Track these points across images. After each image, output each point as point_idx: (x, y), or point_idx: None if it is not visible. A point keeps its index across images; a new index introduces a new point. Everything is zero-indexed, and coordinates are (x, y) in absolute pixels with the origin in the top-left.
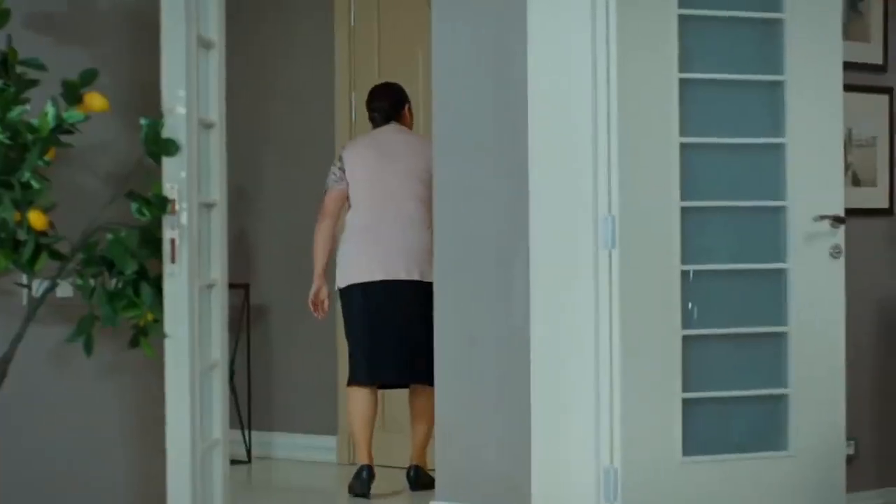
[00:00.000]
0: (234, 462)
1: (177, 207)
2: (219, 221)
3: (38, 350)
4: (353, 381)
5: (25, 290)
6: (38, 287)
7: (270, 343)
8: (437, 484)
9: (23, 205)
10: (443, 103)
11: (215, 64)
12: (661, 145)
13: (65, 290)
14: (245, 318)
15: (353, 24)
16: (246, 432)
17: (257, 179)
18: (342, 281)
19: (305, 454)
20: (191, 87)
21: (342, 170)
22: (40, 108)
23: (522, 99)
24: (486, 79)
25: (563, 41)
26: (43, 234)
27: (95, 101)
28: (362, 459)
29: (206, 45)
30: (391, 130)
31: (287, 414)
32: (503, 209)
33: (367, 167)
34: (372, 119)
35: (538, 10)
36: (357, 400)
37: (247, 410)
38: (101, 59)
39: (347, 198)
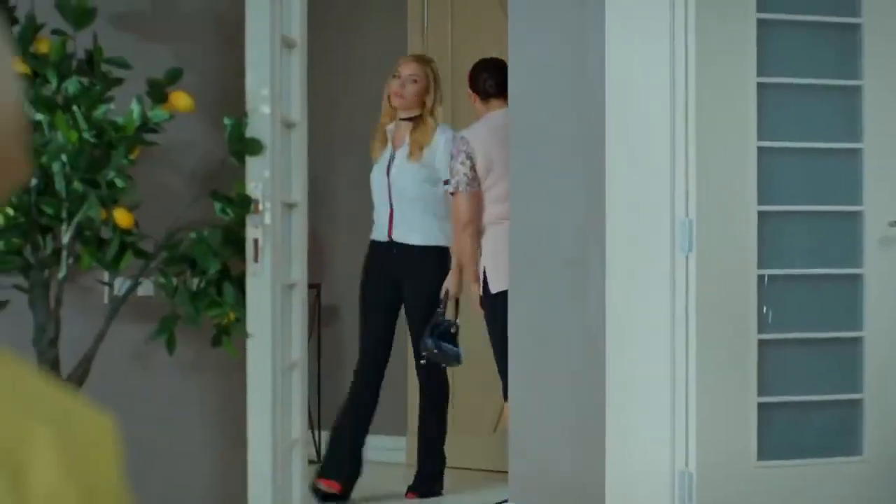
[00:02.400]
0: None
1: (260, 207)
2: (300, 221)
3: (120, 348)
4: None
5: (107, 288)
6: (121, 285)
7: (341, 343)
8: (510, 488)
9: (108, 203)
10: (519, 105)
11: (297, 64)
12: (738, 149)
13: (146, 288)
14: (316, 318)
15: (426, 25)
16: (316, 432)
17: (329, 179)
18: (498, 285)
19: (375, 454)
20: (274, 87)
21: (473, 169)
22: (124, 107)
23: (600, 101)
24: (563, 81)
25: (641, 43)
26: (127, 232)
27: (181, 100)
28: None
29: (289, 44)
30: (503, 116)
31: None
32: (579, 212)
33: (497, 159)
34: (484, 90)
35: (616, 11)
36: None
37: (317, 410)
38: (185, 57)
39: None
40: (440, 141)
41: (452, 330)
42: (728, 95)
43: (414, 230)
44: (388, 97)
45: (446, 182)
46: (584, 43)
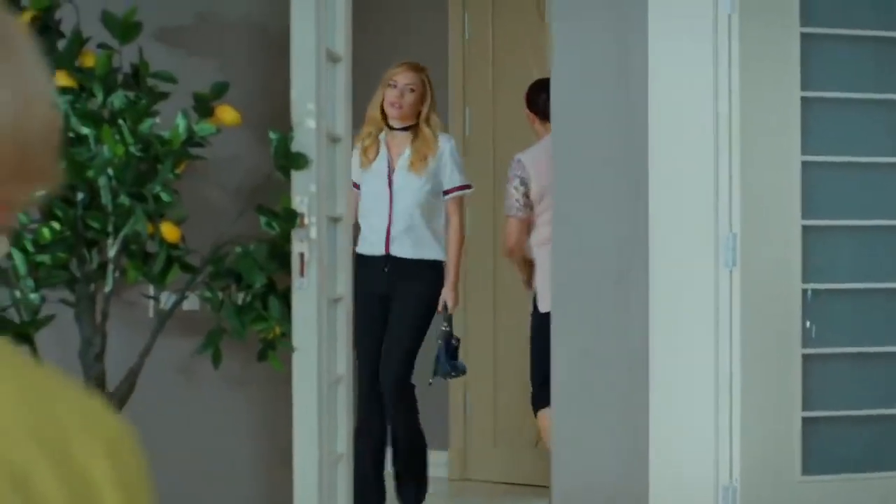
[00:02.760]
0: None
1: (306, 221)
2: (344, 235)
3: (164, 362)
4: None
5: (152, 302)
6: (167, 299)
7: None
8: (552, 502)
9: (155, 217)
10: (561, 119)
11: (342, 78)
12: (782, 163)
13: (191, 302)
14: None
15: (466, 37)
16: None
17: None
18: (546, 306)
19: None
20: (320, 101)
21: (526, 195)
22: (170, 121)
23: (643, 116)
24: (606, 94)
25: (684, 57)
26: (174, 246)
27: (227, 114)
28: None
29: (333, 58)
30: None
31: None
32: (622, 228)
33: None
34: (543, 111)
35: (659, 25)
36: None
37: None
38: (229, 71)
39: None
40: (444, 150)
41: (455, 344)
42: (772, 110)
43: (413, 243)
44: (381, 106)
45: (447, 192)
46: (626, 58)
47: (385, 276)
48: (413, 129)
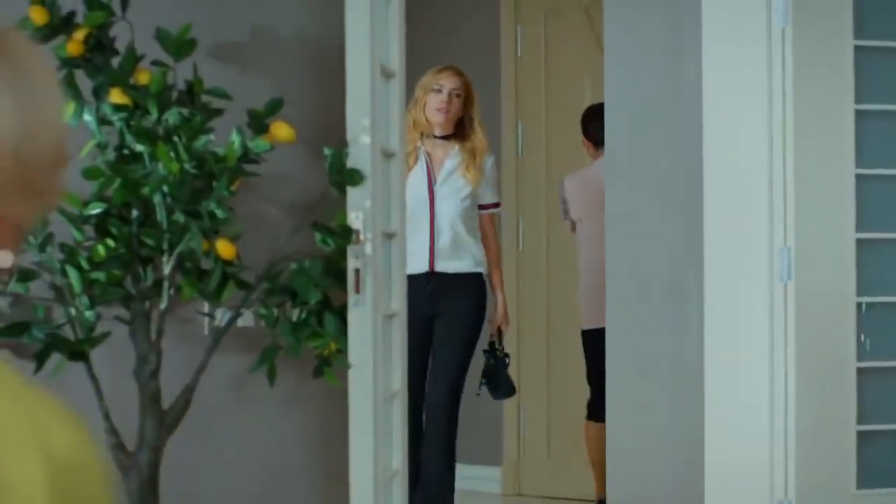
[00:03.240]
0: None
1: (361, 237)
2: (399, 251)
3: (220, 379)
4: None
5: (206, 319)
6: (222, 316)
7: None
8: None
9: (210, 234)
10: (615, 136)
11: (396, 94)
12: (836, 176)
13: (246, 319)
14: None
15: (519, 55)
16: None
17: None
18: (595, 322)
19: (469, 484)
20: (374, 117)
21: (566, 212)
22: (224, 138)
23: (697, 129)
24: (660, 111)
25: (738, 71)
26: (229, 263)
27: (281, 130)
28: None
29: (387, 74)
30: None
31: None
32: (676, 240)
33: (591, 206)
34: (595, 139)
35: (713, 40)
36: (602, 433)
37: None
38: (283, 87)
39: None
40: (487, 163)
41: (507, 363)
42: (826, 123)
43: (457, 257)
44: (423, 111)
45: (483, 207)
46: (680, 73)
47: (429, 295)
48: (455, 137)
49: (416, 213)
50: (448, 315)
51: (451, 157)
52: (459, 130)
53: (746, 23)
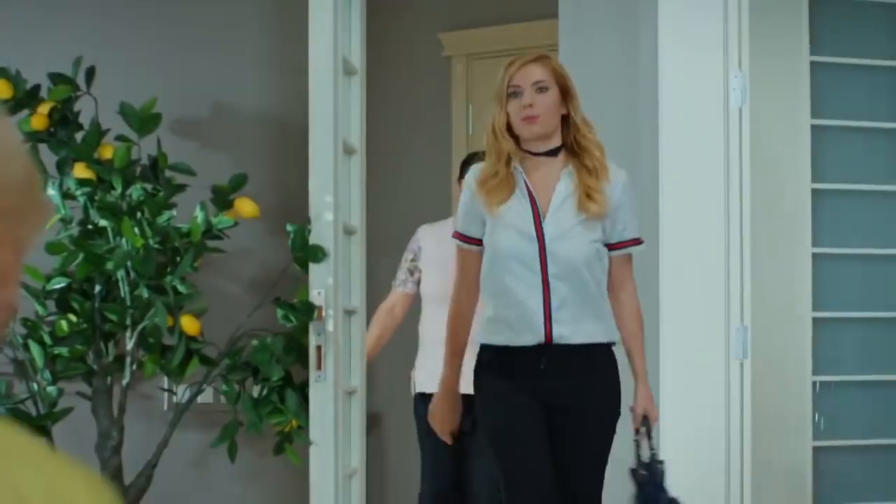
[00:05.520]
0: None
1: (323, 314)
2: (359, 327)
3: (180, 455)
4: None
5: (166, 395)
6: (183, 392)
7: (386, 453)
8: None
9: (175, 309)
10: None
11: (357, 169)
12: (793, 254)
13: (204, 395)
14: None
15: (470, 132)
16: None
17: (373, 285)
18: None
19: None
20: (337, 194)
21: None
22: (184, 213)
23: (653, 208)
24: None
25: (694, 149)
26: (192, 339)
27: (246, 206)
28: None
29: (349, 151)
30: None
31: None
32: None
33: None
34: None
35: (670, 116)
36: None
37: None
38: (244, 163)
39: None
40: (617, 183)
41: (663, 469)
42: (783, 201)
43: (582, 322)
44: (503, 129)
45: (616, 246)
46: (636, 149)
47: (542, 375)
48: (563, 150)
49: (520, 260)
50: (577, 409)
51: (562, 180)
52: (565, 138)
53: (704, 101)
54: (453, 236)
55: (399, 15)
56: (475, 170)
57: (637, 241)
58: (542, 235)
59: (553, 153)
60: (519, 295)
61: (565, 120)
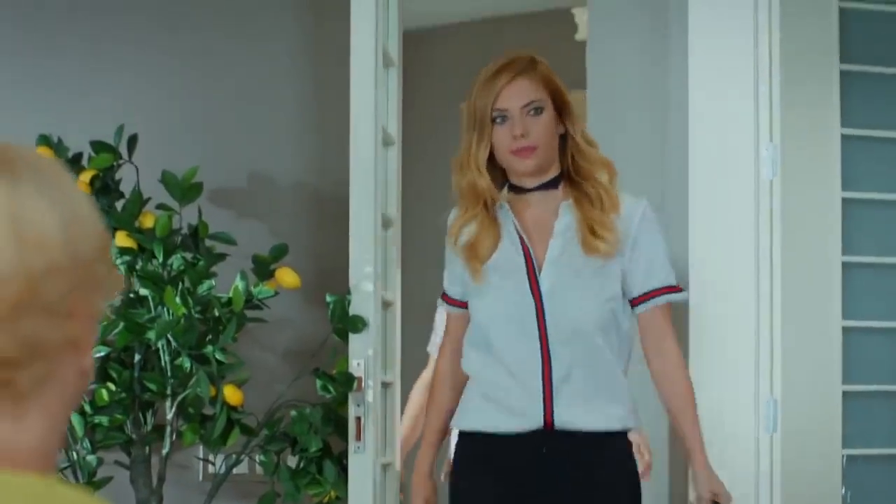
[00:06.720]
0: None
1: (363, 385)
2: (394, 399)
3: None
4: None
5: (201, 465)
6: (221, 462)
7: None
8: None
9: (217, 379)
10: None
11: (393, 242)
12: (823, 327)
13: (241, 465)
14: None
15: None
16: None
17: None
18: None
19: None
20: (376, 265)
21: None
22: (223, 282)
23: (682, 278)
24: None
25: (724, 223)
26: (233, 409)
27: (287, 276)
28: None
29: (386, 224)
30: None
31: None
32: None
33: None
34: None
35: (698, 191)
36: None
37: None
38: (282, 233)
39: None
40: (634, 214)
41: None
42: (813, 273)
43: (593, 403)
44: (482, 165)
45: (643, 298)
46: (668, 220)
47: (541, 467)
48: (561, 180)
49: (511, 322)
50: None
51: (561, 216)
52: (563, 163)
53: (735, 174)
54: (442, 298)
55: (431, 84)
56: (454, 214)
57: (673, 289)
58: (539, 290)
59: (551, 185)
60: (510, 365)
61: (562, 139)
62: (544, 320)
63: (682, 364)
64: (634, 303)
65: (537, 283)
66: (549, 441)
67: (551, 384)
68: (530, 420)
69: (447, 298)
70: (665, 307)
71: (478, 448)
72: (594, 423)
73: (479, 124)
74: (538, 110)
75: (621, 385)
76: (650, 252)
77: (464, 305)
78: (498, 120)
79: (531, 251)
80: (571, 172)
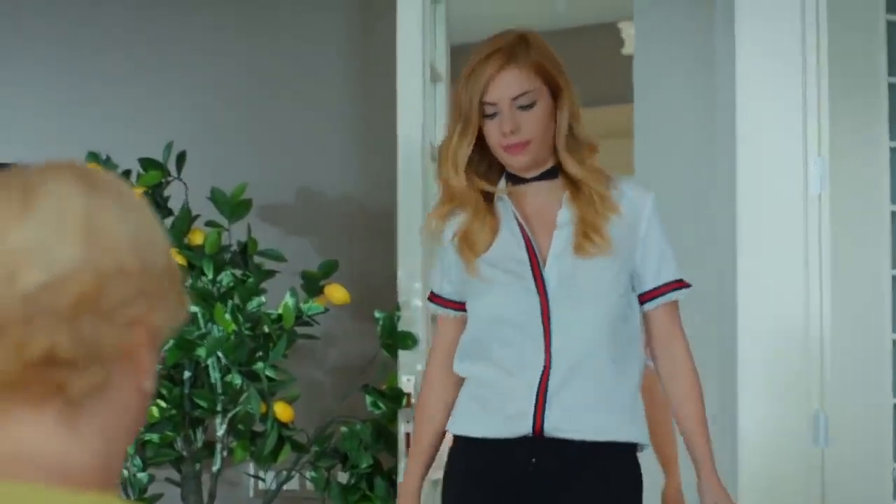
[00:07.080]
0: None
1: (412, 401)
2: None
3: None
4: None
5: (251, 481)
6: (271, 479)
7: None
8: None
9: (268, 396)
10: None
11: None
12: (872, 341)
13: (291, 482)
14: None
15: None
16: None
17: None
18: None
19: None
20: (425, 280)
21: None
22: (273, 298)
23: (731, 300)
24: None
25: (773, 239)
26: (284, 426)
27: (337, 292)
28: None
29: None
30: None
31: None
32: (709, 406)
33: None
34: None
35: (745, 211)
36: None
37: None
38: (330, 249)
39: None
40: (643, 207)
41: None
42: (862, 287)
43: (595, 407)
44: (462, 164)
45: (650, 295)
46: (711, 242)
47: (529, 479)
48: (558, 171)
49: (512, 323)
50: None
51: (564, 208)
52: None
53: (783, 188)
54: (429, 298)
55: None
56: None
57: (680, 284)
58: (544, 287)
59: (551, 174)
60: (508, 365)
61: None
62: (549, 319)
63: (691, 366)
64: (644, 298)
65: (542, 279)
66: (538, 451)
67: (546, 388)
68: (517, 425)
69: (437, 299)
70: (674, 304)
71: (468, 457)
72: (589, 432)
73: (465, 117)
74: (530, 104)
75: (625, 392)
76: (660, 246)
77: (457, 306)
78: (490, 113)
79: (534, 244)
80: (587, 168)
